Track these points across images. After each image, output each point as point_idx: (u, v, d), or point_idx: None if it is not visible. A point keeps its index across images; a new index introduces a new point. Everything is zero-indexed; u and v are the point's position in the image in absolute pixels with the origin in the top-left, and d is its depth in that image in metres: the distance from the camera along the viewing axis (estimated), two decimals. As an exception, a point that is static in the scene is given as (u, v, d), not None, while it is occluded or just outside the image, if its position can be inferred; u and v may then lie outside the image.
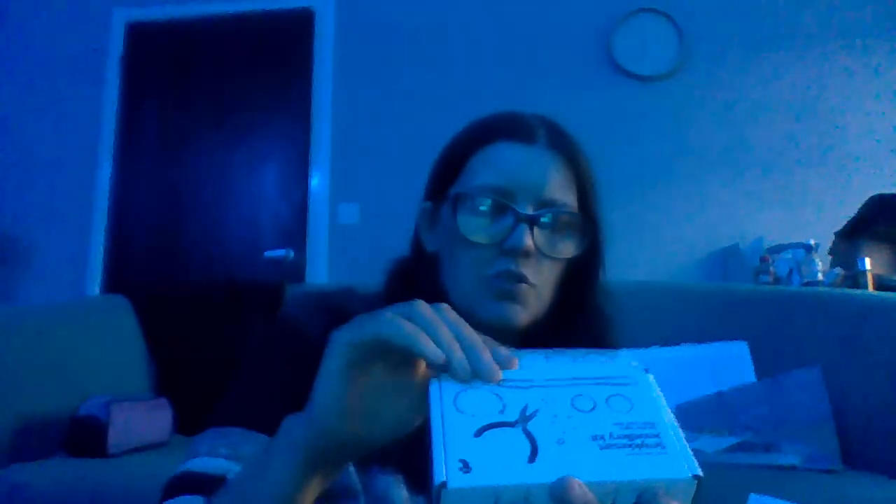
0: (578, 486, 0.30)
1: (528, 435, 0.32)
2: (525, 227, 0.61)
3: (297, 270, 2.91)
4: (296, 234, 2.96)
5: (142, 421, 1.57)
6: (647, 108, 2.87)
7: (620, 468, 0.31)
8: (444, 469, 0.31)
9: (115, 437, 1.47)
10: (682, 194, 2.80)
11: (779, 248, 2.41)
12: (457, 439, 0.32)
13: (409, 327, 0.38)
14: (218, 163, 3.08)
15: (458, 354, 0.37)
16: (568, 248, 0.64)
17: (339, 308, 0.63)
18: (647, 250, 2.75)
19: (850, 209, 2.36)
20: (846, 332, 1.54)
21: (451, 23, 3.04)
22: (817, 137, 2.78)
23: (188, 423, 1.73)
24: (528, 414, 0.33)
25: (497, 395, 0.34)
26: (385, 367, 0.40)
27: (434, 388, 0.35)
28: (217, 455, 0.53)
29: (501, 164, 0.64)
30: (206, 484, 0.50)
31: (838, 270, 2.22)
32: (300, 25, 3.12)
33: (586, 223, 0.65)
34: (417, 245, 0.71)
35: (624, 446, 0.32)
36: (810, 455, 1.35)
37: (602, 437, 0.33)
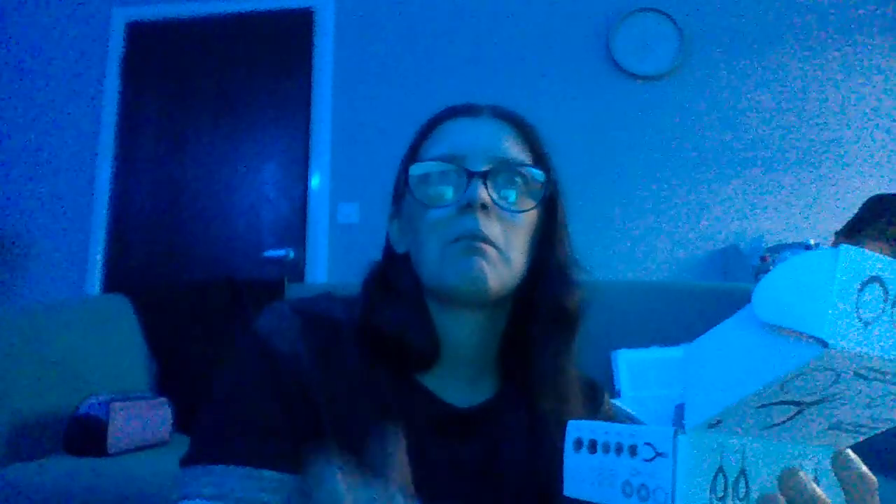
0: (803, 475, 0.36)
1: None
2: (478, 182, 0.60)
3: (296, 270, 2.91)
4: (296, 233, 2.96)
5: (142, 420, 1.57)
6: (646, 108, 2.87)
7: None
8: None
9: (115, 436, 1.47)
10: (681, 194, 2.80)
11: (779, 248, 2.41)
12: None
13: None
14: (218, 162, 3.08)
15: None
16: (526, 203, 0.63)
17: (317, 315, 0.63)
18: (647, 250, 2.75)
19: (850, 209, 2.35)
20: (846, 331, 1.54)
21: (451, 22, 3.04)
22: (817, 137, 2.78)
23: (188, 423, 1.73)
24: None
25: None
26: None
27: None
28: (202, 496, 0.53)
29: (449, 137, 0.65)
30: None
31: (838, 270, 2.22)
32: (300, 25, 3.11)
33: (544, 177, 0.64)
34: (388, 248, 0.72)
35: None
36: (810, 455, 1.35)
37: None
